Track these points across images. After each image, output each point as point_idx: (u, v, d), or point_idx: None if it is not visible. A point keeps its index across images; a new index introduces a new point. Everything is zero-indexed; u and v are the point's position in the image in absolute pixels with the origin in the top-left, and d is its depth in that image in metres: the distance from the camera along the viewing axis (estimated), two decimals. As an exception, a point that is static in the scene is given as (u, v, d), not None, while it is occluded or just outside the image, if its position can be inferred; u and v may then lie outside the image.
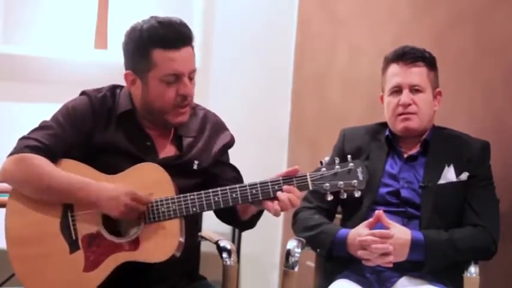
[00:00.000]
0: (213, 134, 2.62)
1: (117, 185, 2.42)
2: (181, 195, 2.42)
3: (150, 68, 2.45)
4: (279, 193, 2.37)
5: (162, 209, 2.41)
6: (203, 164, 2.55)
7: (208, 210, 2.43)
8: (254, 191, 2.39)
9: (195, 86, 2.52)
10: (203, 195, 2.41)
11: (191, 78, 2.49)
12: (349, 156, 2.43)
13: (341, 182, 2.39)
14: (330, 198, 2.42)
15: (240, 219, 2.56)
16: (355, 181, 2.40)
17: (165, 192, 2.43)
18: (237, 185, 2.41)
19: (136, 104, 2.54)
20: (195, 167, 2.54)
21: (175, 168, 2.48)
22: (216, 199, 2.40)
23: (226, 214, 2.60)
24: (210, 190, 2.41)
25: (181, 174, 2.49)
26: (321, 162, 2.41)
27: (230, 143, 2.65)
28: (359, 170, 2.40)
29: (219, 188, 2.41)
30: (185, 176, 2.48)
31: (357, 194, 2.41)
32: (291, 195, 2.37)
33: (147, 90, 2.48)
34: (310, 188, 2.39)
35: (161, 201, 2.42)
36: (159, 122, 2.53)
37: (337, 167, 2.40)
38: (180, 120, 2.52)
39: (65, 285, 2.44)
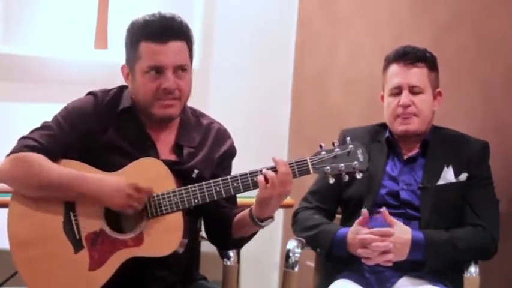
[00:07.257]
0: (215, 144, 2.58)
1: (118, 177, 2.41)
2: (183, 187, 2.40)
3: (137, 60, 2.44)
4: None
5: (164, 202, 2.40)
6: (203, 174, 2.51)
7: (210, 200, 2.40)
8: (256, 179, 2.37)
9: (189, 81, 2.47)
10: (204, 186, 2.39)
11: (180, 72, 2.44)
12: (348, 138, 2.41)
13: (342, 164, 2.37)
14: (331, 181, 2.39)
15: (231, 236, 2.54)
16: (355, 163, 2.37)
17: (165, 186, 2.42)
18: (238, 174, 2.40)
19: (133, 100, 2.52)
20: (194, 175, 2.49)
21: (174, 173, 2.45)
22: (218, 189, 2.39)
23: (219, 228, 2.57)
24: (211, 181, 2.40)
25: (179, 180, 2.45)
26: (321, 146, 2.39)
27: (231, 150, 2.61)
28: (359, 151, 2.38)
29: (219, 178, 2.40)
30: (183, 183, 2.44)
31: (358, 176, 2.39)
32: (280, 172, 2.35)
33: (135, 83, 2.47)
34: (311, 172, 2.38)
35: (163, 194, 2.40)
36: (152, 117, 2.48)
37: (337, 149, 2.38)
38: (168, 112, 2.46)
39: (70, 286, 2.43)
